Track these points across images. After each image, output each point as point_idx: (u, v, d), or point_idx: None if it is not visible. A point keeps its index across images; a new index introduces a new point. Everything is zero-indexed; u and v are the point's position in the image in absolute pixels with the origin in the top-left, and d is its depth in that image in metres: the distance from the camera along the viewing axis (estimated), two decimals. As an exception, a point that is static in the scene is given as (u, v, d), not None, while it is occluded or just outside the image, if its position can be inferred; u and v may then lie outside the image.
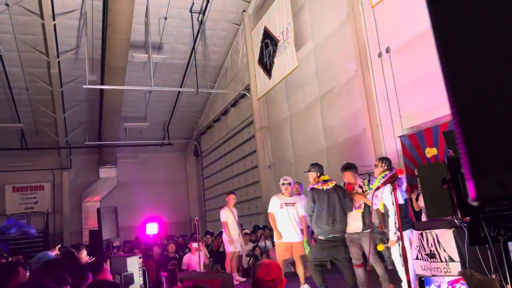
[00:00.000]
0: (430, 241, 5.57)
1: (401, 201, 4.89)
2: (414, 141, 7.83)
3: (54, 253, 5.94)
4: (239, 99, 15.29)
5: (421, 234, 5.48)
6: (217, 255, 9.68)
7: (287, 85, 12.13)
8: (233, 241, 8.13)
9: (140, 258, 6.53)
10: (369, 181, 8.24)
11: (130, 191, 19.11)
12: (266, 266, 2.17)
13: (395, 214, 4.63)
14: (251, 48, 13.66)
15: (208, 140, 19.17)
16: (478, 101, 0.45)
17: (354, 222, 5.64)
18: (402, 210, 4.87)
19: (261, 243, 9.75)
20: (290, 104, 12.31)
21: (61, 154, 19.10)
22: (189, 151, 21.87)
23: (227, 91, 15.73)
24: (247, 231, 10.81)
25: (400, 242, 4.79)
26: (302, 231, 6.35)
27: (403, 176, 5.24)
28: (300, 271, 6.25)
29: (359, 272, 5.65)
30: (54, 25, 12.22)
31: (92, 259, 6.02)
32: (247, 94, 14.40)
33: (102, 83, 13.38)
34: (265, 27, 12.44)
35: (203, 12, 13.35)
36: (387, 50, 8.41)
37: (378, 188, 4.75)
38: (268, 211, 6.39)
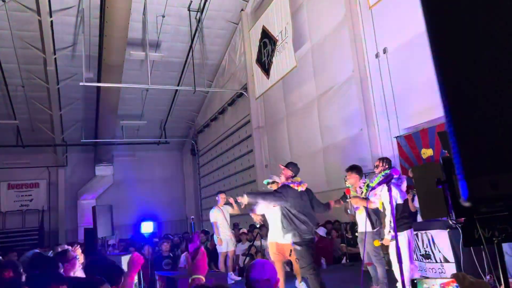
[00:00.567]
0: (425, 242, 5.60)
1: (400, 200, 4.87)
2: (410, 142, 7.85)
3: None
4: (236, 98, 15.28)
5: (416, 234, 5.50)
6: (212, 254, 9.66)
7: (285, 84, 12.13)
8: (223, 241, 8.11)
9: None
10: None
11: (126, 190, 19.07)
12: (261, 266, 2.16)
13: (391, 213, 4.65)
14: (249, 47, 13.66)
15: (205, 139, 19.15)
16: (471, 102, 0.44)
17: (360, 223, 5.66)
18: (399, 210, 4.85)
19: (257, 242, 9.76)
20: (287, 103, 12.31)
21: (57, 152, 19.03)
22: (186, 150, 21.84)
23: (225, 90, 15.71)
24: (245, 230, 10.82)
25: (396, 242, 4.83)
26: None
27: (404, 176, 5.24)
28: (297, 267, 6.13)
29: (371, 270, 5.69)
30: (51, 21, 12.16)
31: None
32: (244, 93, 14.39)
33: (99, 81, 13.33)
34: (263, 26, 12.44)
35: (201, 10, 13.32)
36: (384, 51, 8.43)
37: (374, 188, 4.75)
38: (257, 212, 6.18)
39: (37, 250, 3.51)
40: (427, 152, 7.39)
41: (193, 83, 13.62)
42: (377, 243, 5.29)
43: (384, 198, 4.96)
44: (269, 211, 6.03)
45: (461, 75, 0.45)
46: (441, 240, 5.40)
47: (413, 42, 7.65)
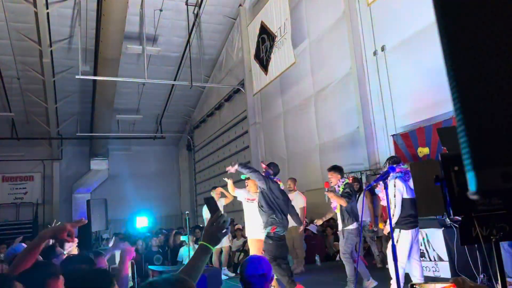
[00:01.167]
0: (420, 240, 5.60)
1: (406, 195, 4.79)
2: (406, 140, 7.84)
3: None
4: (233, 94, 15.23)
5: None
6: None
7: (282, 81, 12.09)
8: None
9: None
10: (360, 179, 8.28)
11: (121, 184, 19.01)
12: (256, 261, 2.14)
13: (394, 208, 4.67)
14: (247, 43, 13.60)
15: (201, 134, 19.10)
16: (482, 87, 0.42)
17: (338, 221, 5.78)
18: (406, 206, 4.74)
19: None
20: (284, 100, 12.28)
21: (52, 145, 18.92)
22: (182, 145, 21.78)
23: (222, 86, 15.66)
24: (240, 226, 10.80)
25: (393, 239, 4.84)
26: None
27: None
28: None
29: (359, 267, 5.72)
30: (47, 13, 12.06)
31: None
32: (241, 89, 14.34)
33: (95, 74, 13.24)
34: (262, 22, 12.37)
35: (199, 5, 13.24)
36: (383, 49, 8.41)
37: (370, 185, 4.75)
38: (235, 195, 6.30)
39: (23, 245, 3.42)
40: (423, 151, 7.39)
41: (190, 78, 13.55)
42: (381, 225, 5.34)
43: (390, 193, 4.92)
44: (248, 205, 6.01)
45: (472, 58, 0.43)
46: (435, 238, 5.41)
47: (411, 40, 7.64)
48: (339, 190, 5.67)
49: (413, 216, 4.71)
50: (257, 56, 12.75)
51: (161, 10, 13.04)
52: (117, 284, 1.87)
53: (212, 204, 1.74)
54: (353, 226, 5.57)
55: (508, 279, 3.76)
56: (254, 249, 5.82)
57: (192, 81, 13.58)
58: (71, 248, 3.94)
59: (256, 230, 5.71)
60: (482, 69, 0.41)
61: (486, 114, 0.40)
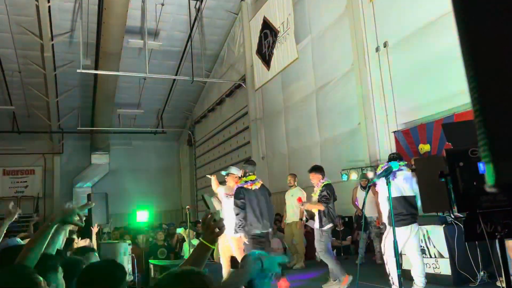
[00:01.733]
0: (421, 237, 5.60)
1: (395, 194, 4.80)
2: (407, 137, 7.83)
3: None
4: (234, 89, 15.19)
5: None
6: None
7: (283, 77, 12.06)
8: None
9: (129, 245, 6.50)
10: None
11: (121, 178, 19.02)
12: (256, 257, 2.13)
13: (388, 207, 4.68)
14: (249, 38, 13.55)
15: (202, 129, 19.08)
16: (503, 76, 0.40)
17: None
18: (395, 205, 4.78)
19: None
20: (286, 96, 12.25)
21: (53, 139, 18.92)
22: (183, 140, 21.76)
23: (223, 81, 15.62)
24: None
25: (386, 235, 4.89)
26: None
27: (402, 170, 5.15)
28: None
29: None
30: (49, 7, 12.01)
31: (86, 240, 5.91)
32: (242, 84, 14.31)
33: (96, 68, 13.21)
34: (264, 17, 12.32)
35: (200, -1, 13.21)
36: (385, 45, 8.37)
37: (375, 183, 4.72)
38: (217, 192, 6.30)
39: (17, 239, 3.35)
40: (424, 148, 7.38)
41: (191, 73, 13.52)
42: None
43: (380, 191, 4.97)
44: (227, 201, 6.01)
45: (492, 47, 0.41)
46: (436, 235, 5.41)
47: (413, 36, 7.60)
48: (317, 190, 5.87)
49: (403, 214, 4.67)
50: (259, 52, 12.70)
51: (162, 5, 12.98)
52: None
53: (206, 202, 1.77)
54: (328, 226, 5.78)
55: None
56: (235, 246, 5.84)
57: (194, 76, 13.54)
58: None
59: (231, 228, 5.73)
60: (502, 58, 0.40)
61: (506, 104, 0.39)
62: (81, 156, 19.74)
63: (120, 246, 6.30)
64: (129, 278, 6.13)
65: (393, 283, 4.67)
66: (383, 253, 5.01)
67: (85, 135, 19.11)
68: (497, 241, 1.53)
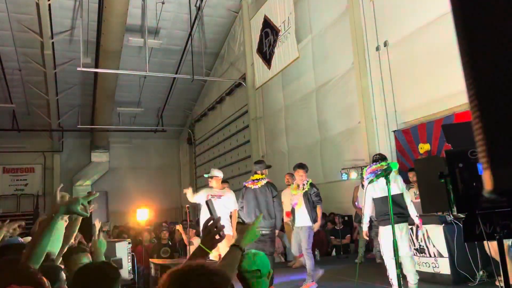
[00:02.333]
0: (420, 236, 5.61)
1: (379, 195, 4.93)
2: (407, 136, 7.84)
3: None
4: (234, 88, 15.19)
5: (411, 229, 5.50)
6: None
7: (283, 75, 12.05)
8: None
9: (129, 243, 6.50)
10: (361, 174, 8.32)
11: (121, 176, 19.03)
12: (252, 256, 2.13)
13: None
14: (249, 36, 13.54)
15: (202, 128, 19.08)
16: (501, 83, 0.41)
17: (298, 218, 6.00)
18: (377, 205, 4.98)
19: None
20: (286, 95, 12.25)
21: (53, 137, 18.92)
22: (183, 139, 21.77)
23: (223, 79, 15.62)
24: (239, 219, 10.81)
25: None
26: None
27: (376, 171, 5.23)
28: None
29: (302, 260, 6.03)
30: (49, 5, 11.99)
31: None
32: (243, 83, 14.30)
33: (96, 66, 13.20)
34: (265, 16, 12.31)
35: (201, -2, 13.18)
36: (385, 44, 8.37)
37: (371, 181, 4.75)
38: (193, 199, 6.30)
39: (18, 238, 3.33)
40: (424, 147, 7.38)
41: (192, 71, 13.51)
42: None
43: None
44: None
45: (491, 53, 0.42)
46: (436, 235, 5.41)
47: (414, 36, 7.60)
48: (304, 188, 5.89)
49: (385, 214, 4.71)
50: (260, 50, 12.70)
51: (163, 3, 12.97)
52: None
53: (210, 208, 1.76)
54: (311, 224, 5.87)
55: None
56: (223, 245, 5.87)
57: (194, 74, 13.54)
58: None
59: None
60: (501, 65, 0.40)
61: (505, 111, 0.39)
62: (81, 154, 19.75)
63: (120, 245, 6.29)
64: (129, 276, 6.14)
65: (392, 284, 4.70)
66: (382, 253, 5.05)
67: (85, 133, 19.11)
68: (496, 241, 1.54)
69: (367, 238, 5.23)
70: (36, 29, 12.86)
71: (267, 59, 12.23)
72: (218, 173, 6.30)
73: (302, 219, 5.91)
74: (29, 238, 3.44)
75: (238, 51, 14.78)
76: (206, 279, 1.12)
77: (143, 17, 12.98)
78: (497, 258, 3.98)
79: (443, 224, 5.32)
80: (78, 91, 16.58)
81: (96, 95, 15.33)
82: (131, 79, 15.66)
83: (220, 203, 5.90)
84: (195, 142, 20.14)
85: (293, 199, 6.05)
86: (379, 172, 4.52)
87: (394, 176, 4.82)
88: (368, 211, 5.02)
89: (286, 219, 7.54)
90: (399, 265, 3.85)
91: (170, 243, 9.13)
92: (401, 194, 4.86)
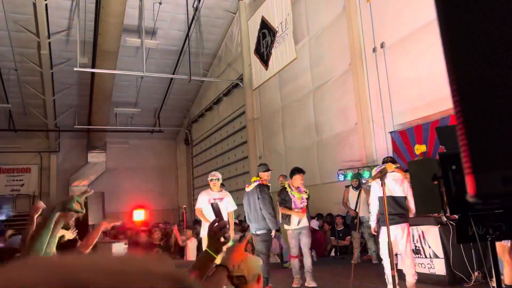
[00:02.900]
0: (416, 237, 5.63)
1: (398, 194, 4.96)
2: (404, 137, 7.86)
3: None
4: (232, 89, 15.20)
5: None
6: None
7: (281, 76, 12.07)
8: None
9: (125, 244, 6.50)
10: (358, 174, 8.36)
11: (118, 177, 18.99)
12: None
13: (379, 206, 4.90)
14: (246, 37, 13.55)
15: (199, 128, 19.08)
16: (483, 89, 0.42)
17: (298, 221, 6.18)
18: (380, 205, 5.02)
19: (248, 233, 9.77)
20: (283, 96, 12.27)
21: (50, 137, 18.86)
22: (180, 139, 21.76)
23: (220, 80, 15.62)
24: (236, 220, 10.82)
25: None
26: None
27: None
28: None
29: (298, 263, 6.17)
30: (46, 5, 11.97)
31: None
32: (240, 83, 14.31)
33: (93, 67, 13.19)
34: (262, 17, 12.33)
35: (198, -2, 13.19)
36: (382, 46, 8.40)
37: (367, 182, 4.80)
38: (196, 207, 6.33)
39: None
40: (420, 148, 7.41)
41: (189, 72, 13.52)
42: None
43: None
44: (208, 207, 6.21)
45: (474, 62, 0.43)
46: (431, 236, 5.44)
47: (410, 38, 7.63)
48: (306, 192, 6.20)
49: (391, 214, 4.78)
50: (258, 51, 12.71)
51: (160, 3, 12.96)
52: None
53: (215, 211, 1.75)
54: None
55: (502, 277, 3.80)
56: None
57: (191, 75, 13.54)
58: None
59: None
60: (483, 73, 0.41)
61: (486, 117, 0.40)
62: (77, 155, 19.69)
63: (116, 246, 6.29)
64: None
65: (388, 282, 4.73)
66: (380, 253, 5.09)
67: (81, 134, 19.06)
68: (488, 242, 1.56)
69: (375, 234, 5.27)
70: (33, 29, 12.83)
71: (265, 60, 12.25)
72: (220, 176, 6.42)
73: (304, 220, 6.12)
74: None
75: (235, 52, 14.79)
76: None
77: (140, 18, 12.97)
78: (502, 257, 4.03)
79: (439, 225, 5.34)
80: (75, 91, 16.55)
81: (93, 95, 15.30)
82: (128, 79, 15.65)
83: (221, 206, 5.93)
84: (192, 142, 20.13)
85: (299, 202, 6.14)
86: (375, 174, 4.55)
87: (400, 178, 4.93)
88: (374, 209, 5.06)
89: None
90: (394, 266, 3.86)
91: (162, 244, 9.11)
92: (405, 197, 4.95)
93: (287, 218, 6.14)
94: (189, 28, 13.80)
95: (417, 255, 5.61)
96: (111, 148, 20.11)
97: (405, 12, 7.72)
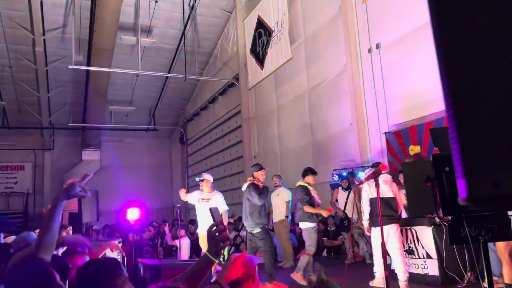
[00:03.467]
0: (409, 237, 5.66)
1: (388, 195, 5.06)
2: (398, 138, 7.89)
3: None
4: (227, 88, 15.18)
5: (401, 230, 5.55)
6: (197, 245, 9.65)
7: (276, 76, 12.08)
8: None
9: (119, 242, 6.47)
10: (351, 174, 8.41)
11: (113, 175, 18.88)
12: (233, 260, 2.11)
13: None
14: (243, 37, 13.54)
15: (194, 127, 19.05)
16: (475, 94, 0.42)
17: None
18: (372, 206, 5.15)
19: (243, 233, 9.77)
20: (278, 95, 12.28)
21: (44, 135, 18.76)
22: (175, 138, 21.71)
23: (216, 79, 15.60)
24: (231, 220, 10.82)
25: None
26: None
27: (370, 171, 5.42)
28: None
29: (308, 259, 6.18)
30: (41, 1, 11.90)
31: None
32: (235, 83, 14.30)
33: (88, 64, 13.11)
34: (258, 16, 12.32)
35: (195, -3, 13.16)
36: (378, 46, 8.42)
37: (361, 182, 4.86)
38: (188, 200, 6.62)
39: (32, 233, 3.31)
40: (414, 149, 7.44)
41: (184, 70, 13.48)
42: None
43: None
44: (201, 205, 6.47)
45: (466, 65, 0.43)
46: (425, 236, 5.47)
47: (406, 38, 7.66)
48: (314, 190, 6.35)
49: (375, 215, 4.89)
50: (253, 51, 12.71)
51: (156, 1, 12.92)
52: None
53: (214, 215, 1.75)
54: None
55: (494, 278, 3.82)
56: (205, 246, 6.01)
57: (186, 73, 13.51)
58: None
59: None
60: (475, 77, 0.41)
61: (478, 121, 0.41)
62: (72, 153, 19.59)
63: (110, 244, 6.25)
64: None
65: (375, 276, 4.86)
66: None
67: (76, 132, 18.97)
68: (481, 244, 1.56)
69: (369, 234, 5.37)
70: (27, 26, 12.74)
71: (260, 60, 12.24)
72: (209, 177, 6.53)
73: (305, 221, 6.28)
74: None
75: (231, 51, 14.77)
76: None
77: (136, 16, 12.92)
78: (501, 256, 4.07)
79: (432, 226, 5.37)
80: (70, 89, 16.46)
81: (88, 93, 15.22)
82: (123, 77, 15.58)
83: (207, 205, 6.07)
84: (187, 141, 20.09)
85: (317, 199, 6.35)
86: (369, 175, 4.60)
87: (389, 180, 5.07)
88: (367, 209, 5.22)
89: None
90: (387, 266, 3.88)
91: (151, 243, 9.10)
92: (394, 198, 5.15)
93: (313, 216, 6.15)
94: (185, 27, 13.76)
95: (410, 256, 5.63)
96: (106, 146, 20.02)
97: (401, 13, 7.74)
